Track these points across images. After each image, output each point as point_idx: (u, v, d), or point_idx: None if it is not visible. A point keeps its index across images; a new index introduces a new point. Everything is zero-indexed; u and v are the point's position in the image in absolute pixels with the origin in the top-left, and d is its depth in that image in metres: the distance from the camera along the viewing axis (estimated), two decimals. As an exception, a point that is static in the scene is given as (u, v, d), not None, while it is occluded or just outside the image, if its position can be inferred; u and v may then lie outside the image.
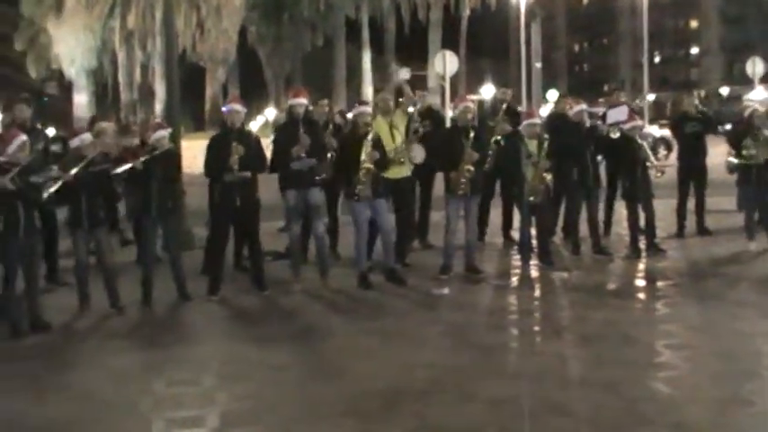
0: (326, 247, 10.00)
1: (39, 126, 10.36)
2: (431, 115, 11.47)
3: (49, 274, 10.17)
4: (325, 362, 7.02)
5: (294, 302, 9.17)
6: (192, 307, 9.12)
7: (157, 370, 6.88)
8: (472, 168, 9.68)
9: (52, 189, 8.39)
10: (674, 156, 13.98)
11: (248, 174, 9.27)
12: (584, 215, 11.12)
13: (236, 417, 5.78)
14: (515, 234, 11.55)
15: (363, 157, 9.32)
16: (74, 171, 8.54)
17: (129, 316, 8.79)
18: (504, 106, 11.61)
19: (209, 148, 9.40)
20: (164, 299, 9.30)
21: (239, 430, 5.57)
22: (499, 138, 10.83)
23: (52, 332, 8.20)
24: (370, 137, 9.39)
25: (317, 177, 9.61)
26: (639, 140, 10.82)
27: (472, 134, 9.74)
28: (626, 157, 10.89)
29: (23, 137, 8.22)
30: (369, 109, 9.78)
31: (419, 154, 10.31)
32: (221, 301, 9.25)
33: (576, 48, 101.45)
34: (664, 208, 12.28)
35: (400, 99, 10.99)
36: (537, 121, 10.48)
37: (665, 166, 11.23)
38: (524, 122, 10.44)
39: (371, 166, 9.36)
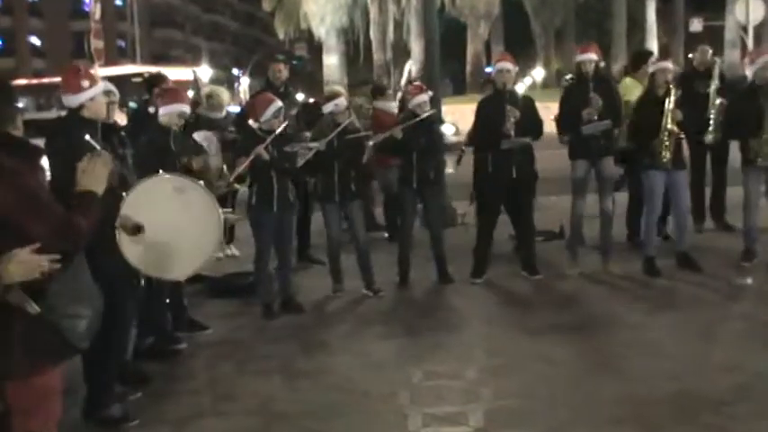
0: (611, 226, 9.76)
1: (291, 90, 10.80)
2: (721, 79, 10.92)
3: (301, 251, 10.62)
4: (605, 358, 6.89)
5: (570, 288, 9.09)
6: (453, 290, 9.25)
7: (415, 359, 7.03)
8: None
9: (305, 159, 8.76)
10: None
11: (527, 140, 9.26)
12: None
13: (503, 416, 5.80)
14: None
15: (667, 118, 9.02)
16: (326, 139, 8.87)
17: (384, 299, 9.05)
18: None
19: (480, 113, 9.45)
20: (422, 281, 9.51)
21: (505, 431, 5.58)
22: None
23: (304, 314, 8.60)
24: (672, 94, 9.04)
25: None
26: None
27: None
28: None
29: (279, 103, 8.58)
30: (670, 64, 9.40)
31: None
32: (486, 285, 9.33)
33: None
34: None
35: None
36: None
37: None
38: None
39: (675, 129, 9.02)
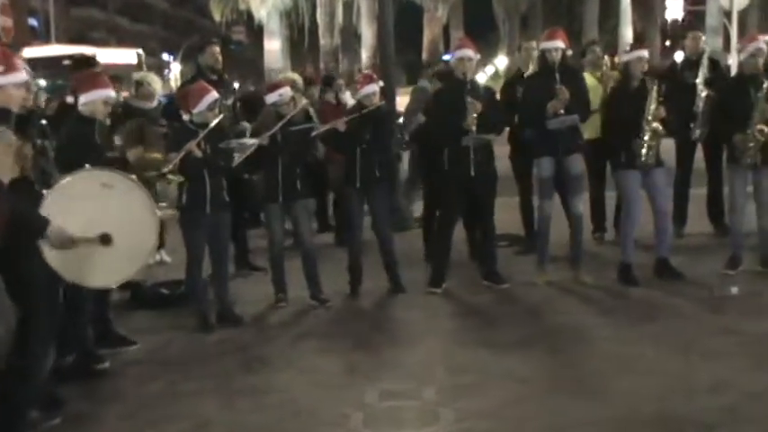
0: (582, 231, 9.82)
1: (227, 78, 10.75)
2: (714, 68, 11.05)
3: (239, 256, 10.57)
4: (578, 375, 6.93)
5: (538, 299, 9.14)
6: (408, 301, 9.26)
7: (368, 377, 7.04)
8: (766, 129, 9.22)
9: (243, 155, 8.71)
10: None
11: (491, 136, 9.27)
12: None
13: (466, 440, 5.81)
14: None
15: (649, 115, 9.08)
16: (269, 133, 8.83)
17: (332, 310, 9.06)
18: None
19: (436, 105, 9.44)
20: (375, 290, 9.52)
21: (470, 457, 5.61)
22: None
23: (244, 326, 8.56)
24: (654, 89, 9.10)
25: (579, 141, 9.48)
26: None
27: (766, 85, 9.25)
28: None
29: (214, 94, 8.53)
30: (646, 53, 9.47)
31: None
32: (445, 295, 9.35)
33: None
34: None
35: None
36: None
37: None
38: None
39: (659, 128, 9.06)
